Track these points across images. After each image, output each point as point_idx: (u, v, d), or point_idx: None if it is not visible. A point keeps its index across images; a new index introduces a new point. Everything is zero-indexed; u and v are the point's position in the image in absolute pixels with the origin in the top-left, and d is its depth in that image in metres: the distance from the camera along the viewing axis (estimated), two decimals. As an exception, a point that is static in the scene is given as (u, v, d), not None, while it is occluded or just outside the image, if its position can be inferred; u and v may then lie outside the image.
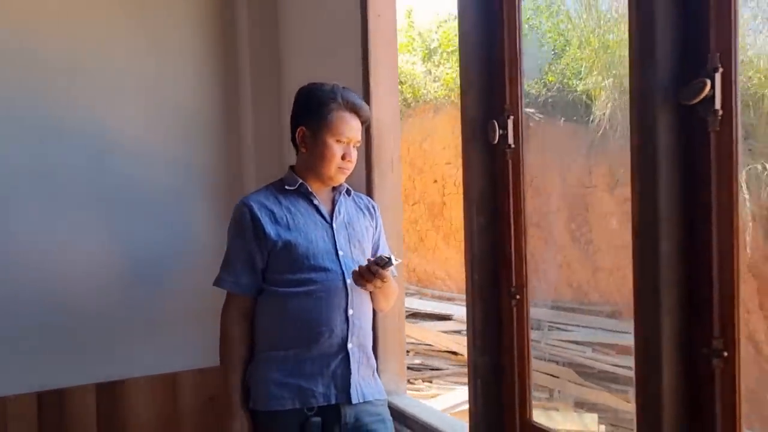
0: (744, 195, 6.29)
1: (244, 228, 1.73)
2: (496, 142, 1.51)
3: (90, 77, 2.53)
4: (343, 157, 1.72)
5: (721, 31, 1.03)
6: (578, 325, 5.98)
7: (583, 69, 6.46)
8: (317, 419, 1.67)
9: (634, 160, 1.12)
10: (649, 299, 1.09)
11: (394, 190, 2.04)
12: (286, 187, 1.78)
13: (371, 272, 1.61)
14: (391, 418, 1.77)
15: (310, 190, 1.77)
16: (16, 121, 2.42)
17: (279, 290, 1.71)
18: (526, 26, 6.65)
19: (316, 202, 1.77)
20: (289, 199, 1.78)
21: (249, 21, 2.71)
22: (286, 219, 1.74)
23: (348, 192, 1.85)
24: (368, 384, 1.74)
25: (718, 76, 1.03)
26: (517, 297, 1.52)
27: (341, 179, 1.77)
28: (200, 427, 2.71)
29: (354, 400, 1.69)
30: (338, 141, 1.71)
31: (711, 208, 1.05)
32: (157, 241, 2.65)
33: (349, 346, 1.70)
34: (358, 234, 1.80)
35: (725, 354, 1.04)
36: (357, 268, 1.66)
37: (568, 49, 6.65)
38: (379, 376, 1.81)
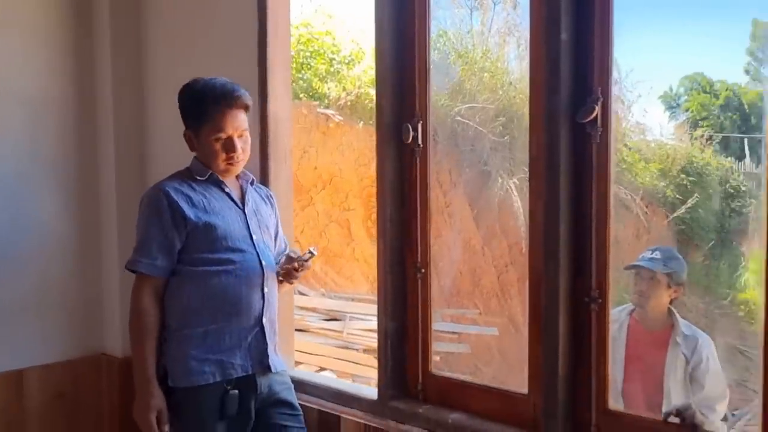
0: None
1: (162, 212, 1.76)
2: (409, 142, 1.81)
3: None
4: (227, 152, 1.77)
5: (601, 70, 1.46)
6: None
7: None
8: (235, 392, 1.76)
9: (539, 162, 1.51)
10: (550, 264, 1.48)
11: (287, 181, 2.22)
12: (197, 177, 1.83)
13: (301, 268, 1.81)
14: (290, 384, 1.91)
15: (220, 179, 1.83)
16: None
17: (198, 269, 1.77)
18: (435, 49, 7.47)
19: (227, 189, 1.84)
20: (201, 186, 1.83)
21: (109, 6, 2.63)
22: (203, 203, 1.79)
23: (253, 180, 1.94)
24: (277, 356, 1.86)
25: (599, 104, 1.45)
26: (422, 271, 1.84)
27: (235, 170, 1.85)
28: (48, 426, 2.56)
29: (273, 369, 1.81)
30: (219, 139, 1.77)
31: (592, 199, 1.48)
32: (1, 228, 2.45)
33: (264, 320, 1.81)
34: (265, 220, 1.90)
35: (600, 300, 1.48)
36: (287, 267, 1.83)
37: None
38: None
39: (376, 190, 1.85)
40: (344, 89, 7.98)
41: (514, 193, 7.45)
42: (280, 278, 1.88)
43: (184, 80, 2.55)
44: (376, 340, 1.92)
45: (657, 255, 2.28)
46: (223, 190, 1.84)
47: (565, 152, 1.47)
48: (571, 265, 1.49)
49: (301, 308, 6.97)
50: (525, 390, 1.64)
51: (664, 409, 1.76)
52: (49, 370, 2.56)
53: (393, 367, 1.86)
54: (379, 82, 1.83)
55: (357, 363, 6.57)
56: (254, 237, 1.83)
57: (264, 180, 2.17)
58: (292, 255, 1.88)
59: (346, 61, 8.31)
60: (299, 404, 1.89)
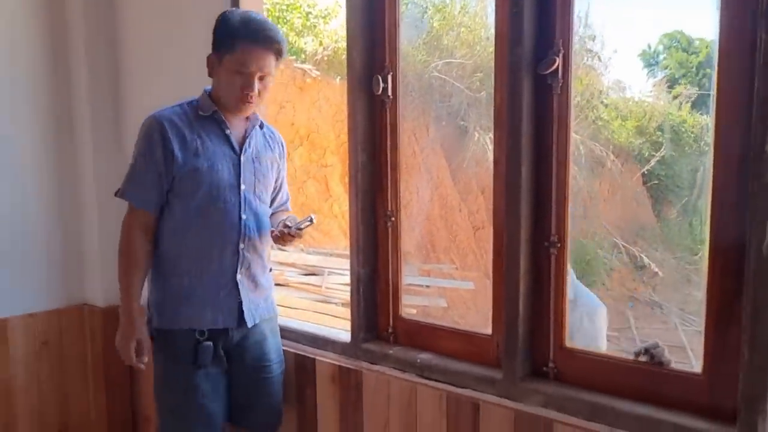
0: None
1: (153, 145, 1.74)
2: (379, 93, 1.85)
3: None
4: (243, 89, 1.72)
5: (563, 25, 1.51)
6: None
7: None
8: (208, 343, 1.80)
9: (503, 112, 1.57)
10: (512, 209, 1.56)
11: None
12: (200, 112, 1.79)
13: (297, 235, 1.78)
14: (277, 330, 2.00)
15: (222, 118, 1.79)
16: None
17: (176, 218, 1.78)
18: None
19: (228, 131, 1.80)
20: (201, 124, 1.78)
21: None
22: (196, 144, 1.76)
23: (262, 124, 1.90)
24: (258, 307, 1.89)
25: (560, 56, 1.51)
26: (392, 219, 1.91)
27: (245, 111, 1.79)
28: (34, 374, 2.64)
29: (249, 324, 1.85)
30: (239, 72, 1.71)
31: (552, 147, 1.55)
32: None
33: (238, 277, 1.82)
34: (263, 168, 1.86)
35: (559, 245, 1.56)
36: (282, 232, 1.78)
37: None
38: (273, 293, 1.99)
39: (348, 140, 1.90)
40: (321, 44, 7.90)
41: (489, 149, 7.53)
42: (274, 239, 1.86)
43: (158, 34, 2.57)
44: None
45: None
46: (223, 132, 1.80)
47: (527, 103, 1.52)
48: (532, 211, 1.57)
49: (281, 263, 7.05)
50: (489, 331, 1.74)
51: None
52: (34, 319, 2.62)
53: (365, 311, 1.95)
54: (350, 33, 1.86)
55: (335, 316, 6.69)
56: (242, 186, 1.80)
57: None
58: (289, 223, 1.83)
59: (323, 15, 8.20)
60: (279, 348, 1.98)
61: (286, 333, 2.15)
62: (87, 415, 2.78)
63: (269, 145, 1.92)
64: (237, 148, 1.82)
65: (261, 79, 1.75)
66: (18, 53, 2.55)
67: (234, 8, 1.79)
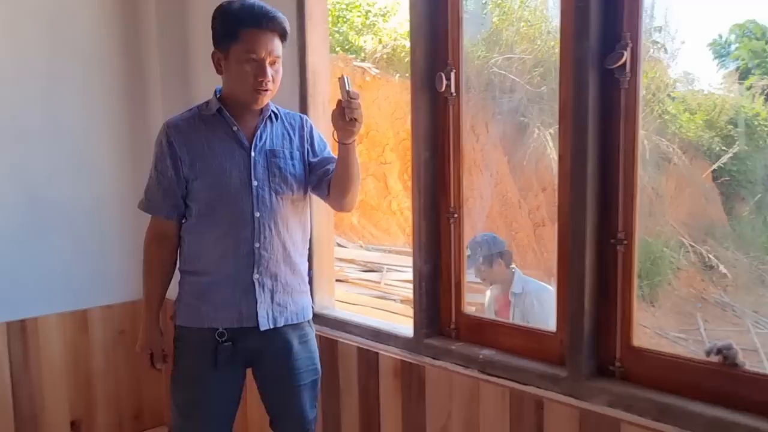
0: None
1: (162, 152, 1.73)
2: (442, 90, 1.86)
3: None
4: (256, 77, 1.66)
5: (631, 17, 1.49)
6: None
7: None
8: (227, 344, 1.73)
9: (568, 107, 1.55)
10: (577, 205, 1.54)
11: (326, 132, 2.30)
12: (204, 113, 1.76)
13: (349, 106, 1.59)
14: (309, 337, 1.86)
15: (228, 115, 1.73)
16: None
17: (192, 221, 1.75)
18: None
19: (235, 128, 1.73)
20: (209, 124, 1.74)
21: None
22: (203, 147, 1.71)
23: (275, 116, 1.80)
24: (284, 309, 1.78)
25: (628, 50, 1.48)
26: (455, 216, 1.91)
27: (263, 101, 1.72)
28: (111, 361, 2.78)
29: (263, 327, 1.75)
30: (249, 60, 1.65)
31: (619, 142, 1.52)
32: (64, 178, 2.63)
33: (255, 276, 1.73)
34: (280, 161, 1.76)
35: (626, 242, 1.53)
36: (336, 114, 1.61)
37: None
38: (308, 297, 1.88)
39: (411, 138, 1.92)
40: (380, 42, 7.95)
41: (550, 145, 7.41)
42: (337, 137, 1.66)
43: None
44: (412, 289, 2.00)
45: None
46: (230, 129, 1.74)
47: (594, 97, 1.50)
48: (598, 207, 1.55)
49: (340, 260, 7.16)
50: (553, 328, 1.72)
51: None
52: (112, 310, 2.78)
53: (427, 306, 1.96)
54: (413, 31, 1.88)
55: (394, 312, 6.74)
56: (254, 183, 1.72)
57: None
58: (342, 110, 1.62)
59: (382, 13, 8.25)
60: (310, 357, 1.85)
61: (350, 327, 2.20)
62: (159, 401, 2.92)
63: (288, 134, 1.82)
64: (246, 143, 1.74)
65: (272, 64, 1.68)
66: (93, 55, 2.70)
67: (228, 1, 1.69)
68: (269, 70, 1.67)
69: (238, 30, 1.64)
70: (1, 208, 2.49)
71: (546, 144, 7.69)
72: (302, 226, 1.84)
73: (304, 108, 2.25)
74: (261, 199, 1.72)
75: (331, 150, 1.89)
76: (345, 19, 8.05)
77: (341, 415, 2.21)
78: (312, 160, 1.84)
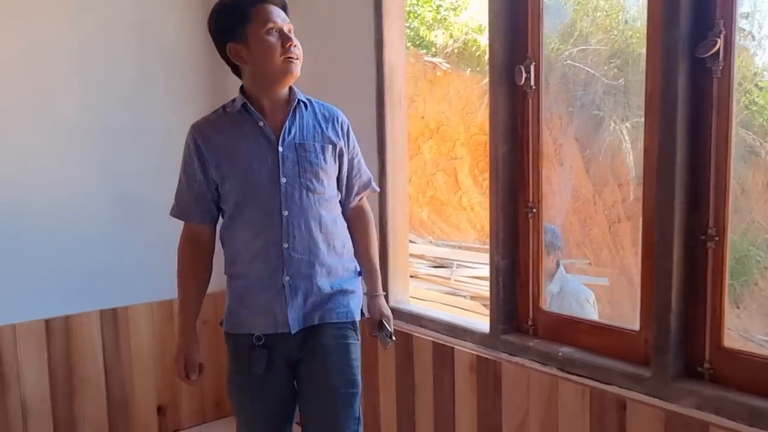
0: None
1: (190, 155, 1.67)
2: (521, 83, 1.84)
3: (80, 21, 2.57)
4: (283, 44, 1.58)
5: (724, 3, 1.42)
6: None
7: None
8: (263, 350, 1.65)
9: (655, 98, 1.50)
10: (665, 200, 1.49)
11: (402, 126, 2.32)
12: (229, 110, 1.67)
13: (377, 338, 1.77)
14: (349, 343, 1.72)
15: (253, 109, 1.64)
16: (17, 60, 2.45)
17: (226, 223, 1.69)
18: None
19: (261, 123, 1.63)
20: (234, 123, 1.65)
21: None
22: (229, 147, 1.64)
23: (307, 104, 1.70)
24: (316, 310, 1.67)
25: (722, 37, 1.41)
26: (534, 210, 1.89)
27: (295, 69, 1.61)
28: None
29: (293, 329, 1.65)
30: (270, 32, 1.58)
31: (710, 134, 1.46)
32: (150, 175, 2.76)
33: (285, 278, 1.63)
34: (310, 155, 1.65)
35: (717, 239, 1.47)
36: (370, 325, 1.78)
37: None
38: (354, 298, 1.75)
39: (489, 132, 1.90)
40: (451, 36, 7.90)
41: (626, 139, 7.17)
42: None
43: (305, 27, 2.69)
44: (482, 288, 1.99)
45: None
46: (256, 124, 1.64)
47: (683, 88, 1.45)
48: (687, 202, 1.49)
49: (410, 255, 7.18)
50: (635, 327, 1.67)
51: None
52: None
53: (504, 302, 1.94)
54: (492, 24, 1.87)
55: (463, 309, 6.71)
56: (282, 180, 1.62)
57: (380, 126, 2.28)
58: (379, 328, 1.78)
59: (453, 8, 8.19)
60: (351, 365, 1.71)
61: (425, 321, 2.21)
62: (238, 391, 3.02)
63: (320, 126, 1.70)
64: (274, 138, 1.63)
65: (290, 32, 1.61)
66: (177, 57, 2.81)
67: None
68: (293, 37, 1.61)
69: (246, 11, 1.58)
70: (95, 205, 2.64)
71: (622, 138, 7.44)
72: (340, 222, 1.73)
73: (380, 103, 2.27)
74: (289, 197, 1.62)
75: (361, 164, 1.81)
76: (416, 15, 8.04)
77: (416, 409, 2.22)
78: (344, 164, 1.74)
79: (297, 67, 1.62)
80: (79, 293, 2.60)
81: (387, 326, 1.77)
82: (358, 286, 1.78)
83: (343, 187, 1.76)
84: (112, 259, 2.66)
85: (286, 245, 1.62)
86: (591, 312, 3.33)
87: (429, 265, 7.49)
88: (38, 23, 2.48)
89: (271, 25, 1.58)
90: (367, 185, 1.83)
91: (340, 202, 1.75)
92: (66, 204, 2.56)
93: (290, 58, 1.59)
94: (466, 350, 2.03)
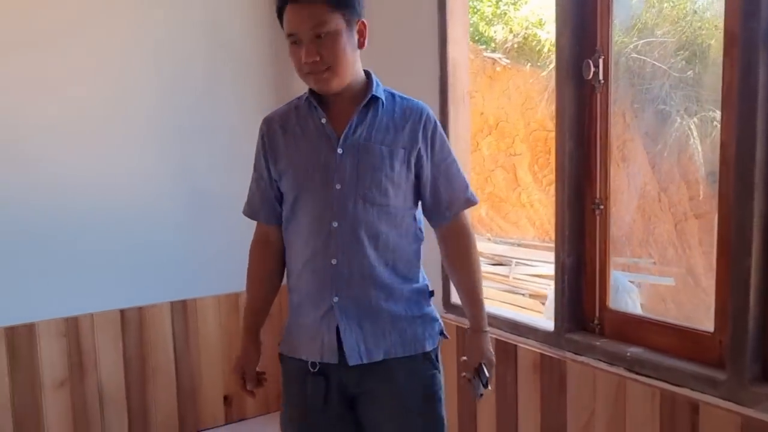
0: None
1: (258, 151, 1.55)
2: (589, 77, 1.80)
3: (155, 23, 2.68)
4: (300, 59, 1.37)
5: (810, -9, 1.36)
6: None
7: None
8: (319, 377, 1.44)
9: (732, 91, 1.45)
10: (743, 196, 1.44)
11: (465, 122, 2.32)
12: (299, 104, 1.50)
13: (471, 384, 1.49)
14: (420, 374, 1.48)
15: (314, 104, 1.45)
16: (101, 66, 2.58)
17: (284, 229, 1.52)
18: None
19: (323, 120, 1.44)
20: (301, 117, 1.48)
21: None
22: (291, 143, 1.48)
23: (385, 99, 1.46)
24: (379, 340, 1.44)
25: (807, 26, 1.35)
26: (601, 207, 1.85)
27: (322, 86, 1.40)
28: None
29: (351, 362, 1.42)
30: (291, 43, 1.39)
31: (793, 127, 1.40)
32: (219, 171, 2.84)
33: (335, 299, 1.42)
34: (374, 159, 1.41)
35: (800, 236, 1.41)
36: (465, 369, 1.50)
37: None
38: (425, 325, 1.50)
39: (555, 127, 1.88)
40: (511, 31, 7.80)
41: (694, 135, 6.90)
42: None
43: (371, 27, 2.71)
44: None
45: None
46: (318, 120, 1.45)
47: (764, 80, 1.39)
48: (767, 199, 1.43)
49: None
50: (709, 327, 1.62)
51: None
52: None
53: (569, 300, 1.91)
54: (560, 17, 1.84)
55: (522, 307, 6.63)
56: (337, 186, 1.41)
57: (443, 123, 2.28)
58: (475, 372, 1.49)
59: (513, 2, 8.08)
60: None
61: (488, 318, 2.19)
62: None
63: (395, 125, 1.44)
64: (335, 137, 1.43)
65: (317, 38, 1.35)
66: (245, 56, 2.89)
67: None
68: (311, 48, 1.35)
69: (281, 9, 1.40)
70: (168, 201, 2.75)
71: (690, 133, 7.17)
72: (406, 240, 1.48)
73: (444, 100, 2.27)
74: (342, 207, 1.41)
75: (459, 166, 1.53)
76: (475, 10, 7.97)
77: (477, 405, 2.22)
78: (425, 172, 1.47)
79: (325, 82, 1.39)
80: (151, 285, 2.71)
81: (486, 371, 1.47)
82: (429, 308, 1.52)
83: (428, 200, 1.49)
84: (182, 252, 2.77)
85: (334, 261, 1.42)
86: (634, 309, 3.32)
87: (487, 263, 7.42)
88: (117, 27, 2.59)
89: (289, 32, 1.38)
90: (460, 198, 1.50)
91: (430, 218, 1.52)
92: (141, 200, 2.67)
93: (308, 74, 1.39)
94: (530, 348, 2.01)
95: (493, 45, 7.79)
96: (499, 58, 7.52)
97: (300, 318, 1.48)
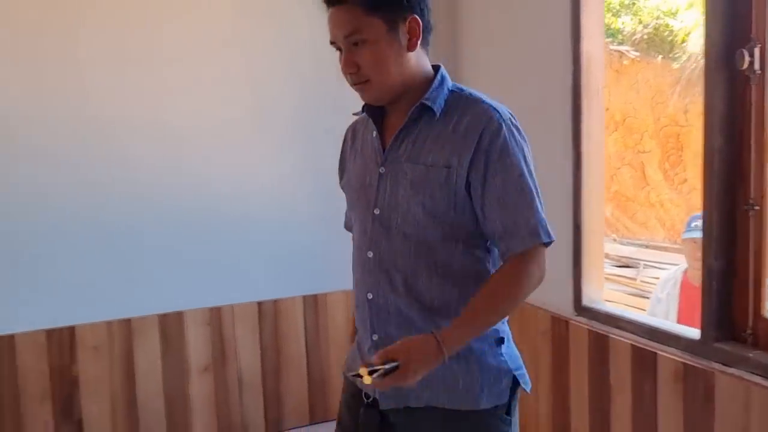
0: None
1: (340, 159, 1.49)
2: (743, 68, 1.68)
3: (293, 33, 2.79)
4: (342, 69, 1.27)
5: None
6: None
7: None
8: (372, 410, 1.31)
9: None
10: None
11: (599, 117, 2.24)
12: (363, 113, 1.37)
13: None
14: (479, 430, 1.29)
15: (371, 114, 1.32)
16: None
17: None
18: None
19: (375, 133, 1.31)
20: (365, 126, 1.38)
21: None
22: (349, 155, 1.41)
23: (439, 107, 1.24)
24: (424, 386, 1.23)
25: None
26: (755, 208, 1.72)
27: (364, 96, 1.28)
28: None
29: (382, 406, 1.30)
30: (338, 50, 1.26)
31: None
32: (307, 175, 2.87)
33: (374, 338, 1.29)
34: (418, 175, 1.22)
35: None
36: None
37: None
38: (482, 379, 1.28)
39: (703, 122, 1.76)
40: (640, 22, 7.40)
41: None
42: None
43: (498, 27, 2.68)
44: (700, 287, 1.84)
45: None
46: (372, 134, 1.32)
47: None
48: None
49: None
50: None
51: None
52: (346, 295, 2.86)
53: (718, 307, 1.79)
54: (709, 5, 1.72)
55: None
56: (376, 212, 1.26)
57: (575, 118, 2.22)
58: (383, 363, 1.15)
59: (643, -9, 7.66)
60: None
61: (623, 323, 2.10)
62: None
63: (448, 137, 1.22)
64: (381, 153, 1.28)
65: (354, 45, 1.21)
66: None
67: None
68: (350, 57, 1.23)
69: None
70: (301, 200, 2.84)
71: None
72: (453, 280, 1.25)
73: (576, 96, 2.21)
74: (376, 235, 1.26)
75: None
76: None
77: (611, 412, 2.13)
78: (477, 194, 1.21)
79: (365, 91, 1.26)
80: (286, 279, 2.85)
81: (385, 367, 1.12)
82: (495, 359, 1.29)
83: (484, 231, 1.24)
84: (314, 248, 2.88)
85: (370, 295, 1.29)
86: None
87: (612, 264, 7.11)
88: (262, 43, 2.74)
89: (330, 39, 1.26)
90: (520, 232, 1.19)
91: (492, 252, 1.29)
92: (277, 200, 2.82)
93: (354, 84, 1.26)
94: (672, 357, 1.90)
95: (620, 37, 7.43)
96: (627, 51, 7.17)
97: (359, 344, 1.38)
